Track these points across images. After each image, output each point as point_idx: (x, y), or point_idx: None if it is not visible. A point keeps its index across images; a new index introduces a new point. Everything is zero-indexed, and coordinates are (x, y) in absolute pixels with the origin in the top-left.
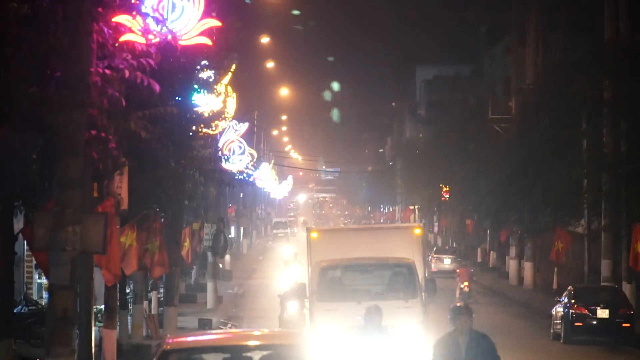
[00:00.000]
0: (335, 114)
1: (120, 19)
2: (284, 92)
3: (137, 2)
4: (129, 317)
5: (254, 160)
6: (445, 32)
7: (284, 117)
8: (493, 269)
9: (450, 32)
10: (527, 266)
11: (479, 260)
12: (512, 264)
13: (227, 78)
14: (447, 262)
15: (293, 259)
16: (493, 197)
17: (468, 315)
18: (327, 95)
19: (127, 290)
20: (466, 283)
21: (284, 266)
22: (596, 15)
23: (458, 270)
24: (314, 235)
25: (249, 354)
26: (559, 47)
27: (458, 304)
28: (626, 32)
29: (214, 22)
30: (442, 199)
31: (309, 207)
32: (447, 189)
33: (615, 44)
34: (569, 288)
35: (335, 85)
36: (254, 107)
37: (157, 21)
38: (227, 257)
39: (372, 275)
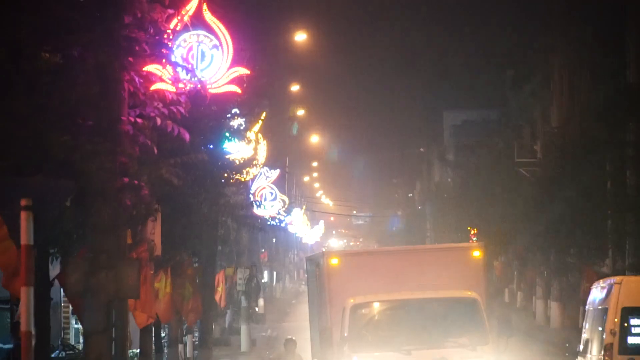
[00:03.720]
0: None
1: (151, 68)
2: (315, 139)
3: (167, 51)
4: None
5: (286, 206)
6: (472, 76)
7: (314, 164)
8: (520, 309)
9: (477, 76)
10: (554, 306)
11: (507, 300)
12: (538, 304)
13: (258, 126)
14: None
15: None
16: (520, 238)
17: None
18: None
19: (162, 334)
20: None
21: None
22: (622, 59)
23: None
24: (334, 261)
25: None
26: (584, 90)
27: None
28: None
29: (243, 70)
30: (470, 241)
31: None
32: (475, 231)
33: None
34: None
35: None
36: (285, 154)
37: (187, 70)
38: (261, 301)
39: (422, 315)
